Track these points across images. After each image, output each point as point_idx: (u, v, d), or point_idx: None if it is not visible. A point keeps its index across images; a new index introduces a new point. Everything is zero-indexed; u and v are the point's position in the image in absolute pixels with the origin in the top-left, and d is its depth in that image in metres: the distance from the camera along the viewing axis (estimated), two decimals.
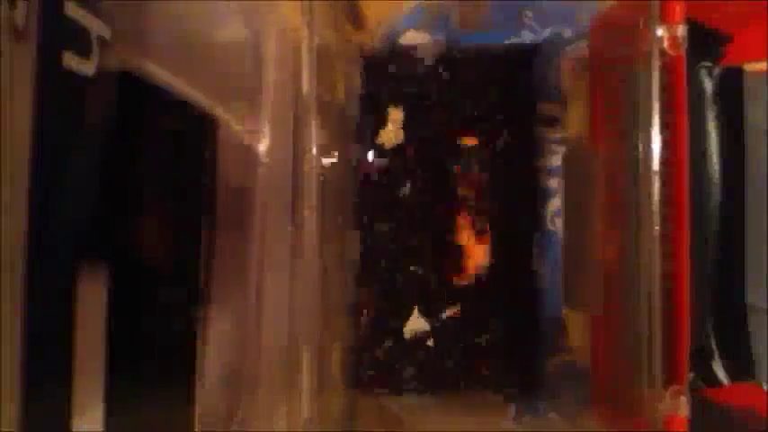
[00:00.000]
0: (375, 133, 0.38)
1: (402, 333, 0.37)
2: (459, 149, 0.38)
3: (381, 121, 0.38)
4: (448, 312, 0.37)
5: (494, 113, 0.38)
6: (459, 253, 0.37)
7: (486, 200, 0.37)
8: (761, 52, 0.32)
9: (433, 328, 0.37)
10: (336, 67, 0.37)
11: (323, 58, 0.31)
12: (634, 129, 0.29)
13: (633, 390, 0.28)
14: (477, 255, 0.37)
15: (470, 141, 0.38)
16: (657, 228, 0.27)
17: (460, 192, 0.37)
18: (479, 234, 0.37)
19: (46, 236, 0.18)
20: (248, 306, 0.33)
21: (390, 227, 0.38)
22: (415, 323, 0.37)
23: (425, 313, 0.37)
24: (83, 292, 0.20)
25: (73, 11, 0.20)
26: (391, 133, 0.37)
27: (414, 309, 0.37)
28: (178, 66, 0.27)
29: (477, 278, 0.37)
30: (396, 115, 0.37)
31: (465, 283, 0.37)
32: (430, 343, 0.37)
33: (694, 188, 0.28)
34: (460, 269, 0.37)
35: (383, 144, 0.37)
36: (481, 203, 0.37)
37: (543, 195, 0.38)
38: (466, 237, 0.37)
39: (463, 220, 0.37)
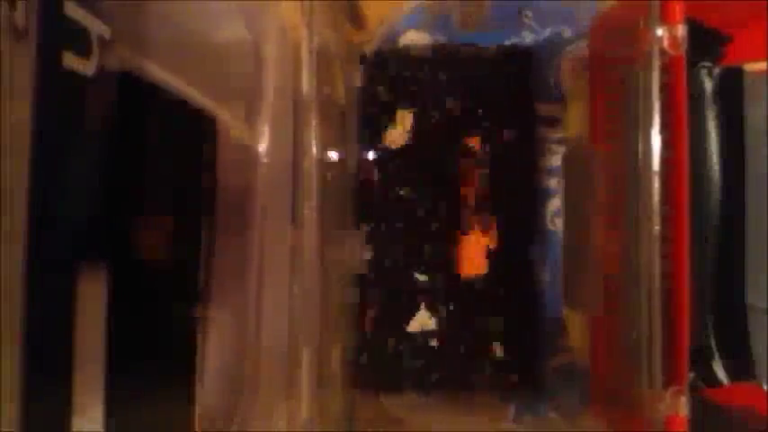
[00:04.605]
0: (381, 133, 0.38)
1: (405, 331, 0.37)
2: (459, 149, 0.38)
3: (389, 122, 0.37)
4: (452, 308, 0.37)
5: (494, 114, 0.38)
6: (466, 249, 0.37)
7: (486, 199, 0.37)
8: (761, 52, 0.32)
9: (437, 327, 0.37)
10: (336, 67, 0.37)
11: (323, 58, 0.31)
12: (634, 129, 0.29)
13: (633, 390, 0.28)
14: (483, 248, 0.37)
15: (470, 141, 0.38)
16: (657, 228, 0.27)
17: (462, 191, 0.37)
18: (484, 230, 0.37)
19: (46, 236, 0.18)
20: (248, 306, 0.33)
21: (393, 227, 0.38)
22: (422, 319, 0.37)
23: (431, 310, 0.37)
24: (83, 292, 0.20)
25: (73, 11, 0.20)
26: (399, 135, 0.37)
27: (421, 305, 0.37)
28: (178, 66, 0.27)
29: (480, 276, 0.37)
30: (405, 118, 0.37)
31: (473, 274, 0.37)
32: (433, 343, 0.37)
33: (694, 188, 0.28)
34: (467, 265, 0.37)
35: (390, 145, 0.37)
36: (482, 203, 0.37)
37: (543, 195, 0.38)
38: (473, 234, 0.37)
39: (472, 218, 0.37)
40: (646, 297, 0.27)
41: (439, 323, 0.37)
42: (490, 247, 0.37)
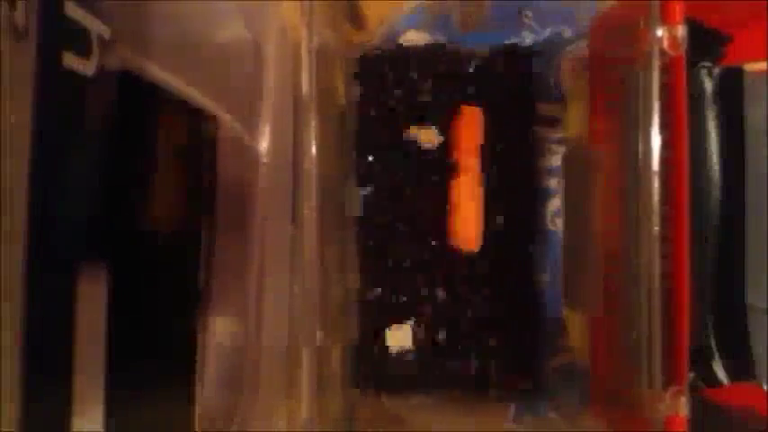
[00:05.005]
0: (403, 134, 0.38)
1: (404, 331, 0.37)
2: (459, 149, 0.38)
3: (391, 122, 0.38)
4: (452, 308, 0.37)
5: (493, 113, 0.38)
6: (459, 252, 0.37)
7: (485, 199, 0.37)
8: (761, 52, 0.32)
9: (432, 332, 0.37)
10: (336, 67, 0.37)
11: (323, 58, 0.31)
12: (634, 129, 0.29)
13: (633, 390, 0.28)
14: (474, 207, 0.37)
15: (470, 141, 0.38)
16: (657, 228, 0.27)
17: (461, 190, 0.37)
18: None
19: (46, 236, 0.18)
20: (248, 306, 0.33)
21: (392, 225, 0.38)
22: (399, 336, 0.37)
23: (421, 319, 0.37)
24: (83, 292, 0.20)
25: (73, 11, 0.20)
26: (431, 134, 0.37)
27: (400, 321, 0.37)
28: (178, 66, 0.27)
29: (480, 275, 0.37)
30: (428, 135, 0.37)
31: (469, 248, 0.37)
32: (412, 357, 0.37)
33: (694, 188, 0.28)
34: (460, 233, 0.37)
35: (423, 144, 0.37)
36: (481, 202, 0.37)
37: (543, 195, 0.38)
38: (468, 234, 0.37)
39: (465, 216, 0.37)
40: (646, 297, 0.27)
41: (439, 323, 0.37)
42: (480, 209, 0.37)
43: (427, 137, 0.37)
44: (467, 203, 0.37)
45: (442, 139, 0.37)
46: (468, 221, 0.37)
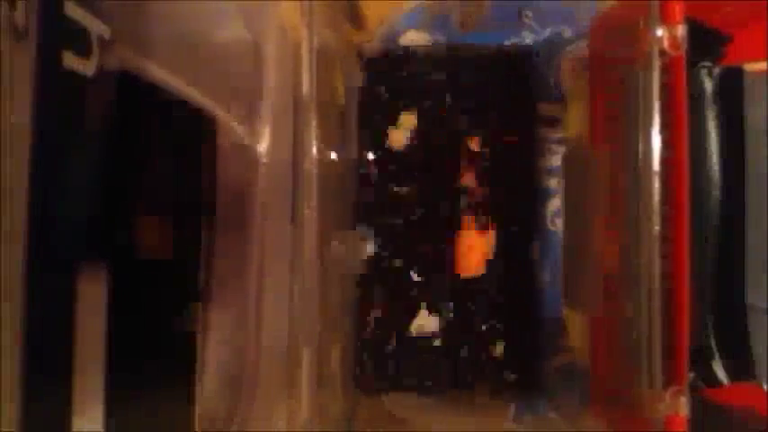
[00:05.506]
0: (382, 134, 0.38)
1: (407, 332, 0.37)
2: (460, 149, 0.38)
3: (391, 123, 0.37)
4: (452, 311, 0.37)
5: (494, 114, 0.38)
6: (462, 249, 0.37)
7: (486, 199, 0.37)
8: (761, 52, 0.32)
9: (438, 327, 0.37)
10: (336, 67, 0.37)
11: (323, 58, 0.31)
12: (634, 129, 0.29)
13: (633, 390, 0.28)
14: (480, 249, 0.37)
15: (471, 142, 0.38)
16: (657, 228, 0.27)
17: (461, 191, 0.37)
18: (481, 229, 0.37)
19: (46, 236, 0.18)
20: (248, 306, 0.33)
21: (391, 226, 0.38)
22: (423, 321, 0.37)
23: (432, 312, 0.37)
24: (83, 292, 0.20)
25: (73, 11, 0.20)
26: (401, 135, 0.37)
27: (421, 306, 0.37)
28: (178, 66, 0.27)
29: (480, 276, 0.37)
30: (407, 119, 0.37)
31: (471, 275, 0.37)
32: (434, 343, 0.37)
33: (694, 188, 0.28)
34: (464, 265, 0.37)
35: (392, 145, 0.37)
36: (482, 203, 0.37)
37: (543, 195, 0.38)
38: (469, 233, 0.37)
39: (466, 218, 0.37)
40: (646, 297, 0.27)
41: (439, 324, 0.37)
42: (486, 250, 0.37)
43: (396, 137, 0.37)
44: (472, 243, 0.37)
45: (409, 138, 0.37)
46: (473, 257, 0.37)
